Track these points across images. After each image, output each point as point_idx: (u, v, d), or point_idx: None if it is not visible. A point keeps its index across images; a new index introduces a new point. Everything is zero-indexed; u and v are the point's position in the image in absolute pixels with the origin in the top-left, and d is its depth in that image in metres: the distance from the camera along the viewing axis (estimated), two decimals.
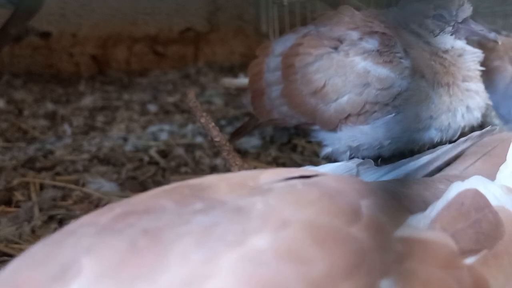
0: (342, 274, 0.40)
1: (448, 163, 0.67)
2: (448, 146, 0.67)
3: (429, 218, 0.50)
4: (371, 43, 1.03)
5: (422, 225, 0.49)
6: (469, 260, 0.48)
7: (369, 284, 0.41)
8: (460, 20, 1.05)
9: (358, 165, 0.64)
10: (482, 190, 0.53)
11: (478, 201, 0.52)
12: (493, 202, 0.53)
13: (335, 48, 1.05)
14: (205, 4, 2.30)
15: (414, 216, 0.50)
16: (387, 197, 0.50)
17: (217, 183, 0.48)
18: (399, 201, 0.53)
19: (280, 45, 1.15)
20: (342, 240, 0.42)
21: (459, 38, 1.06)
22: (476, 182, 0.54)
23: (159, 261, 0.37)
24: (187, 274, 0.37)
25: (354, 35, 1.04)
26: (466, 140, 0.66)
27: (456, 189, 0.53)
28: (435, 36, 1.06)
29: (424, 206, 0.53)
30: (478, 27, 1.06)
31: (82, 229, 0.42)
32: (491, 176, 0.59)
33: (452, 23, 1.05)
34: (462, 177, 0.59)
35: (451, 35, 1.06)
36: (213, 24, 2.33)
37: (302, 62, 1.07)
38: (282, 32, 1.86)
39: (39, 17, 1.76)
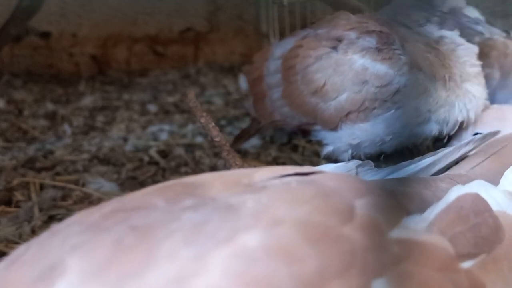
0: (334, 273, 0.39)
1: (449, 167, 0.66)
2: (450, 148, 0.66)
3: (427, 220, 0.50)
4: (369, 41, 1.03)
5: (419, 227, 0.49)
6: (467, 264, 0.48)
7: (362, 284, 0.40)
8: (446, 10, 1.05)
9: (357, 167, 0.63)
10: (483, 194, 0.53)
11: (478, 205, 0.51)
12: (494, 207, 0.52)
13: (334, 48, 1.05)
14: (205, 4, 2.30)
15: (412, 218, 0.50)
16: (384, 196, 0.49)
17: (211, 181, 0.48)
18: (397, 200, 0.52)
19: (280, 48, 1.16)
20: (334, 239, 0.42)
21: (448, 29, 1.06)
22: (478, 187, 0.54)
23: (148, 259, 0.37)
24: (177, 271, 0.36)
25: (352, 35, 1.05)
26: (468, 143, 0.65)
27: (456, 192, 0.53)
28: (422, 26, 1.05)
29: (422, 205, 0.52)
30: (465, 18, 1.05)
31: (69, 228, 0.41)
32: (499, 176, 0.59)
33: (438, 13, 1.05)
34: (467, 176, 0.59)
35: (437, 25, 1.05)
36: (213, 24, 2.33)
37: (302, 64, 1.07)
38: (282, 32, 1.87)
39: (39, 17, 1.76)
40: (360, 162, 0.64)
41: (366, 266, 0.41)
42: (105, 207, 0.44)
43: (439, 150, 0.67)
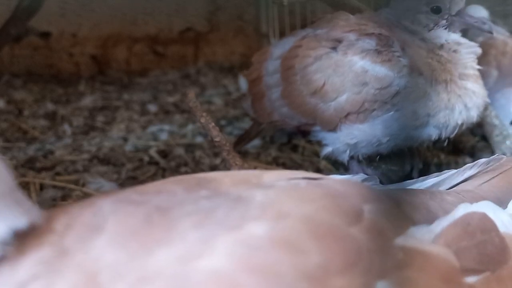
0: (337, 270, 0.40)
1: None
2: (454, 171, 0.67)
3: (434, 232, 0.51)
4: (368, 43, 1.03)
5: (426, 237, 0.50)
6: (471, 279, 0.49)
7: (364, 283, 0.41)
8: (453, 13, 1.05)
9: (363, 181, 0.64)
10: (491, 215, 0.54)
11: (485, 224, 0.52)
12: (501, 228, 0.53)
13: (334, 48, 1.06)
14: (205, 4, 2.30)
15: (419, 228, 0.51)
16: (391, 205, 0.51)
17: (221, 178, 0.50)
18: (403, 209, 0.53)
19: (279, 49, 1.16)
20: (340, 238, 0.43)
21: (454, 31, 1.06)
22: (485, 207, 0.55)
23: (164, 237, 0.40)
24: (183, 252, 0.39)
25: (352, 36, 1.05)
26: (472, 167, 0.66)
27: (463, 209, 0.54)
28: (430, 30, 1.06)
29: (428, 215, 0.53)
30: (472, 19, 1.06)
31: (106, 198, 0.46)
32: (506, 195, 0.60)
33: (446, 16, 1.05)
34: (475, 192, 0.60)
35: (445, 28, 1.06)
36: (213, 24, 2.32)
37: (301, 64, 1.07)
38: (282, 32, 1.87)
39: (39, 17, 1.76)
40: (365, 176, 0.65)
41: (370, 267, 0.42)
42: (128, 191, 0.48)
43: (443, 172, 0.68)
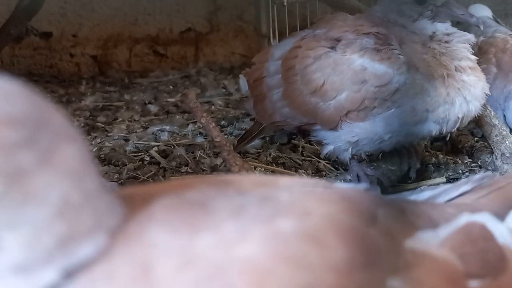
0: (359, 265, 0.43)
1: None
2: (448, 185, 0.69)
3: (439, 237, 0.53)
4: (367, 41, 1.03)
5: (432, 242, 0.52)
6: (474, 284, 0.51)
7: (380, 279, 0.44)
8: (439, 4, 1.04)
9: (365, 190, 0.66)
10: (490, 226, 0.56)
11: (486, 233, 0.55)
12: (500, 239, 0.55)
13: (333, 48, 1.06)
14: (205, 4, 2.30)
15: (425, 232, 0.53)
16: (399, 211, 0.54)
17: (239, 180, 0.52)
18: (408, 216, 0.56)
19: (279, 50, 1.16)
20: (360, 237, 0.46)
21: (440, 23, 1.05)
22: (485, 218, 0.57)
23: (205, 225, 0.44)
24: (222, 239, 0.42)
25: (350, 35, 1.05)
26: (467, 182, 0.68)
27: (466, 218, 0.56)
28: (414, 21, 1.05)
29: (430, 222, 0.55)
30: (459, 11, 1.04)
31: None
32: (503, 210, 0.61)
33: (431, 7, 1.04)
34: (473, 206, 0.62)
35: (430, 19, 1.04)
36: (213, 24, 2.33)
37: (301, 64, 1.08)
38: (282, 33, 1.87)
39: (39, 17, 1.77)
40: (367, 186, 0.66)
41: (385, 265, 0.45)
42: (152, 185, 0.51)
43: (438, 186, 0.69)
